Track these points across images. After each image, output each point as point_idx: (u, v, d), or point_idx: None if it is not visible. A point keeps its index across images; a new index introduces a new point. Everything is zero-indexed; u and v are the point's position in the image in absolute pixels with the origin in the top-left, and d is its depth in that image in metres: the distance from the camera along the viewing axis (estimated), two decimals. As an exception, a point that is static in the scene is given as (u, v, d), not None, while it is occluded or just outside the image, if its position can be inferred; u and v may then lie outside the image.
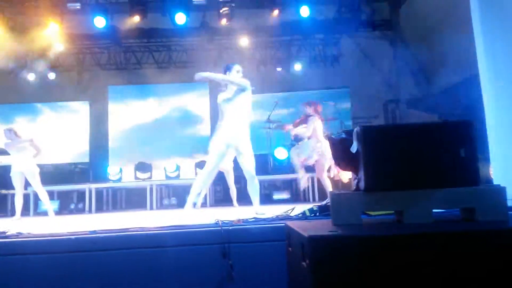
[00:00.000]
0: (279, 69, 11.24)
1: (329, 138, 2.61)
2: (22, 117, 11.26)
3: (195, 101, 11.28)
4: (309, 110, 6.26)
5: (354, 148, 2.37)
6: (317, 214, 3.11)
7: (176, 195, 9.11)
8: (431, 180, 2.24)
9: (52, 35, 9.75)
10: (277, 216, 3.23)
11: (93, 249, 2.76)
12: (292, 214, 3.30)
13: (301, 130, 6.32)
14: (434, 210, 2.27)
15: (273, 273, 2.78)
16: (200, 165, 9.39)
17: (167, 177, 9.16)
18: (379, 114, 10.70)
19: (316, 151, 6.05)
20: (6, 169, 10.09)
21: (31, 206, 7.89)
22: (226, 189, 9.78)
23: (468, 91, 5.47)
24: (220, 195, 9.90)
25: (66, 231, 2.91)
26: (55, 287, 2.72)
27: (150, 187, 8.26)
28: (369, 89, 10.27)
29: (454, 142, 2.28)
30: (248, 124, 4.54)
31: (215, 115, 10.99)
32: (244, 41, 10.50)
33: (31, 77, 11.17)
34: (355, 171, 2.48)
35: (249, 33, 10.31)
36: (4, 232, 2.98)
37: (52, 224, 4.51)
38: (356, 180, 2.46)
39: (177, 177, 9.18)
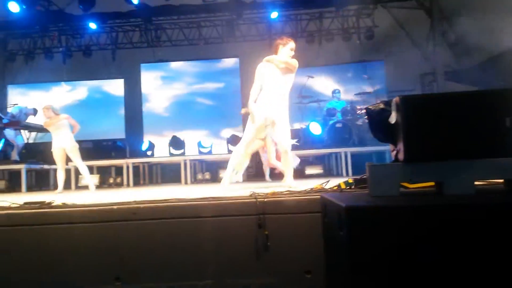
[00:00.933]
0: (311, 42, 10.98)
1: (366, 109, 2.56)
2: (59, 95, 11.65)
3: (225, 77, 11.27)
4: None
5: (393, 118, 2.32)
6: (352, 187, 3.09)
7: (209, 170, 9.26)
8: (473, 151, 2.18)
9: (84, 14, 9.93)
10: (311, 189, 3.23)
11: (134, 218, 2.87)
12: (327, 187, 3.29)
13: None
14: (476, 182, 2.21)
15: (308, 243, 2.82)
16: (231, 140, 9.48)
17: (200, 153, 9.31)
18: (415, 87, 10.34)
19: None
20: (47, 146, 10.61)
21: (73, 180, 8.24)
22: (259, 164, 9.86)
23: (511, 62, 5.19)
24: (252, 170, 9.99)
25: (108, 202, 3.03)
26: (99, 254, 2.86)
27: (184, 162, 8.43)
28: (404, 62, 9.91)
29: (499, 111, 2.19)
30: (287, 101, 4.48)
31: (245, 92, 11.02)
32: (274, 14, 10.31)
33: (67, 56, 11.49)
34: (394, 142, 2.44)
35: (279, 6, 10.11)
36: (50, 203, 3.14)
37: (93, 197, 4.70)
38: (395, 152, 2.42)
39: (210, 152, 9.31)
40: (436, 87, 9.99)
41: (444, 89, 9.84)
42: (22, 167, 8.04)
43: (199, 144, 9.46)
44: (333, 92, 8.71)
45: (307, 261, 2.82)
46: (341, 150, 7.43)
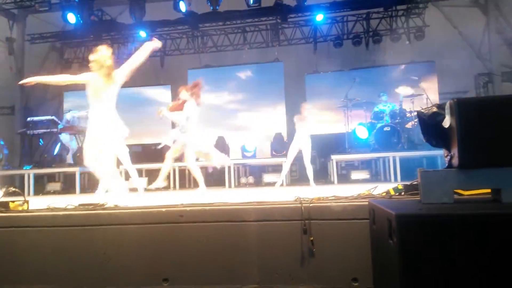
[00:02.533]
0: (357, 44, 10.76)
1: (418, 113, 2.45)
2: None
3: (270, 82, 11.29)
4: (186, 94, 5.86)
5: (447, 122, 2.21)
6: (402, 193, 2.97)
7: (253, 174, 9.31)
8: (535, 156, 2.02)
9: (135, 23, 10.33)
10: (358, 195, 3.15)
11: (181, 221, 2.92)
12: (375, 193, 3.19)
13: (175, 117, 5.91)
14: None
15: (354, 250, 2.74)
16: (275, 144, 9.47)
17: (244, 157, 9.37)
18: (469, 88, 9.84)
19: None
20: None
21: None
22: (302, 169, 9.79)
23: None
24: (295, 174, 9.93)
25: (157, 204, 3.11)
26: (148, 255, 2.94)
27: (228, 166, 8.51)
28: (457, 62, 9.45)
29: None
30: None
31: (289, 96, 11.01)
32: (319, 17, 10.22)
33: (119, 64, 12.00)
34: (448, 147, 2.32)
35: (324, 8, 10.00)
36: (103, 205, 3.27)
37: (142, 199, 4.85)
38: (449, 157, 2.30)
39: (254, 156, 9.35)
40: (492, 88, 9.45)
41: (501, 91, 9.29)
42: (77, 170, 8.47)
43: (243, 148, 9.53)
44: (381, 95, 8.46)
45: (354, 269, 2.75)
46: (389, 154, 7.18)
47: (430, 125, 2.38)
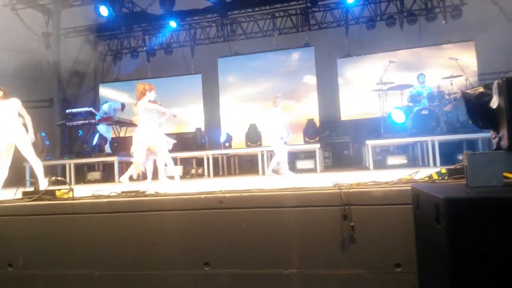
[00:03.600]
0: (391, 25, 10.41)
1: (463, 94, 2.36)
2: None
3: (301, 67, 11.16)
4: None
5: (494, 103, 2.12)
6: (446, 177, 2.88)
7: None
8: None
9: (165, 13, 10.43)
10: (399, 180, 3.08)
11: (220, 207, 2.96)
12: (416, 177, 3.11)
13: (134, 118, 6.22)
14: None
15: (397, 235, 2.70)
16: (307, 131, 9.39)
17: (277, 144, 9.34)
18: (511, 68, 9.37)
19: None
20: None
21: (159, 171, 8.76)
22: (335, 155, 9.69)
23: None
24: (328, 161, 9.85)
25: (196, 191, 3.17)
26: (189, 240, 3.01)
27: (261, 154, 8.54)
28: (497, 41, 9.00)
29: None
30: None
31: (321, 81, 10.85)
32: (351, -1, 9.96)
33: (150, 54, 12.23)
34: (495, 128, 2.23)
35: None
36: (144, 192, 3.36)
37: (178, 187, 4.96)
38: (497, 139, 2.21)
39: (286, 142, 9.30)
40: (537, 67, 8.96)
41: (547, 69, 8.80)
42: (115, 159, 8.73)
43: (275, 135, 9.50)
44: (418, 77, 8.17)
45: (397, 254, 2.71)
46: (428, 138, 6.96)
47: (476, 106, 2.29)
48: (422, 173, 3.24)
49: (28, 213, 3.28)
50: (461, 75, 7.74)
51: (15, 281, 3.23)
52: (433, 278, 2.11)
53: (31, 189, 3.79)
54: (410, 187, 2.70)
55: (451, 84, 7.78)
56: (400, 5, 10.39)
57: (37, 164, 5.63)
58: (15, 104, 5.60)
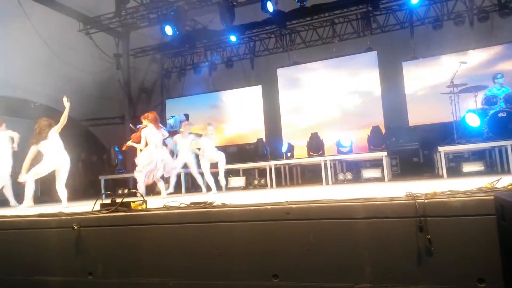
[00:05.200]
0: (460, 24, 9.82)
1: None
2: (204, 107, 12.83)
3: (363, 73, 10.86)
4: (144, 121, 6.61)
5: None
6: (534, 185, 2.62)
7: (350, 169, 9.05)
8: None
9: (225, 29, 10.73)
10: (478, 189, 2.85)
11: (287, 218, 2.93)
12: (498, 186, 2.86)
13: (137, 145, 6.66)
14: None
15: (479, 248, 2.51)
16: (372, 138, 9.08)
17: (340, 152, 9.16)
18: None
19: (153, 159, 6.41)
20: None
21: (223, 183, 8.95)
22: (404, 163, 9.27)
23: None
24: (396, 169, 9.45)
25: (262, 202, 3.16)
26: (256, 251, 3.00)
27: (324, 163, 8.39)
28: None
29: None
30: None
31: (386, 86, 10.47)
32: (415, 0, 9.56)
33: (212, 69, 12.65)
34: None
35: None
36: (211, 203, 3.42)
37: (242, 197, 4.99)
38: None
39: (350, 151, 9.09)
40: None
41: None
42: (181, 171, 9.04)
43: (339, 143, 9.32)
44: (494, 77, 7.54)
45: (479, 269, 2.51)
46: (507, 143, 6.39)
47: None
48: (504, 181, 2.97)
49: (107, 224, 3.48)
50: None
51: (95, 288, 3.43)
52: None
53: (108, 201, 4.03)
54: (492, 197, 2.50)
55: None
56: (469, 3, 9.77)
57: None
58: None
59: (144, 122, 6.67)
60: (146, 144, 6.50)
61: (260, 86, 12.27)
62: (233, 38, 11.71)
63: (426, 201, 2.65)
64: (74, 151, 7.00)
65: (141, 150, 6.58)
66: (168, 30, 10.74)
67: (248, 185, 8.94)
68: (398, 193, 3.01)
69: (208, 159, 7.44)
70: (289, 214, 2.95)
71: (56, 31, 10.11)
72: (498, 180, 3.00)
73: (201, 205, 3.34)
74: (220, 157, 7.46)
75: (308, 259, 2.85)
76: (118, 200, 3.60)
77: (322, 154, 9.25)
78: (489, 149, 7.52)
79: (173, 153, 10.21)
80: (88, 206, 4.09)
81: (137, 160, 6.57)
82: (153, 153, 6.47)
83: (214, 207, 3.29)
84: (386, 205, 2.77)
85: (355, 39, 11.13)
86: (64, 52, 10.24)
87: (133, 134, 7.08)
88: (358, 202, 2.86)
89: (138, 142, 6.71)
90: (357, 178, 8.30)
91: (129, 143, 6.81)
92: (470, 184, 3.33)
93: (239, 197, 5.17)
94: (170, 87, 13.82)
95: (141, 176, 6.38)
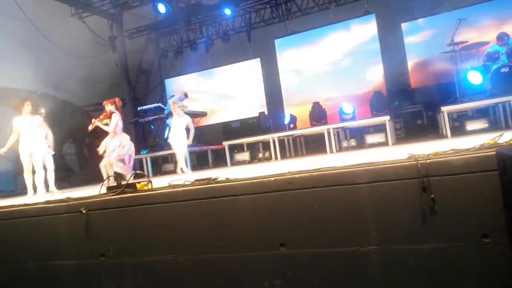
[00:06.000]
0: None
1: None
2: (203, 84, 12.75)
3: (363, 37, 10.67)
4: (112, 107, 6.72)
5: None
6: (536, 138, 2.60)
7: (354, 136, 9.03)
8: None
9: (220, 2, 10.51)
10: (481, 145, 2.83)
11: (291, 188, 2.95)
12: (501, 141, 2.84)
13: (105, 126, 6.70)
14: None
15: (482, 204, 2.52)
16: (374, 101, 9.02)
17: (343, 120, 9.13)
18: None
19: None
20: (203, 129, 11.80)
21: (228, 159, 9.01)
22: (408, 126, 9.22)
23: None
24: (400, 132, 9.41)
25: (266, 174, 3.18)
26: (262, 222, 3.05)
27: (328, 131, 8.37)
28: None
29: None
30: None
31: (385, 49, 10.30)
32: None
33: (209, 45, 12.48)
34: None
35: None
36: (215, 179, 3.45)
37: (248, 171, 5.02)
38: None
39: (353, 118, 9.05)
40: None
41: None
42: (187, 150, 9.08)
43: (341, 111, 9.27)
44: (500, 36, 7.33)
45: (483, 224, 2.53)
46: (510, 98, 6.33)
47: None
48: (506, 136, 2.96)
49: (114, 206, 3.53)
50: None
51: (108, 269, 3.51)
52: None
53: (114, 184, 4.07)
54: (494, 152, 2.49)
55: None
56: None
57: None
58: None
59: (113, 107, 6.75)
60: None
61: (258, 59, 12.14)
62: (227, 11, 11.49)
63: (428, 161, 2.65)
64: (80, 137, 7.11)
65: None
66: (161, 8, 10.56)
67: (253, 159, 8.97)
68: (401, 156, 3.00)
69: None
70: (292, 184, 2.97)
71: (48, 17, 9.95)
72: (500, 135, 2.99)
73: (205, 181, 3.37)
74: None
75: (313, 226, 2.89)
76: (124, 182, 3.64)
77: (325, 123, 9.22)
78: (492, 106, 7.45)
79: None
80: (96, 190, 4.15)
81: (110, 145, 6.68)
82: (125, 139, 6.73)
83: (218, 182, 3.31)
84: (388, 168, 2.77)
85: (352, 3, 10.89)
86: (58, 39, 10.11)
87: (102, 116, 7.04)
88: (360, 167, 2.87)
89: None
90: (361, 144, 8.29)
91: (97, 122, 6.73)
92: (474, 142, 3.32)
93: (245, 171, 5.20)
94: (168, 67, 13.71)
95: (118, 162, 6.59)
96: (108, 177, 5.32)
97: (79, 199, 3.67)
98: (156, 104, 10.33)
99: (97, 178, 7.06)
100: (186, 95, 8.59)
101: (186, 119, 7.71)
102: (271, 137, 8.84)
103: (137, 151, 8.19)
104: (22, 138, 6.27)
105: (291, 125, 10.21)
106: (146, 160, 9.37)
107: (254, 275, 3.06)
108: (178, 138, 7.53)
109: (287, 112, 10.81)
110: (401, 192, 2.71)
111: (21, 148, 6.26)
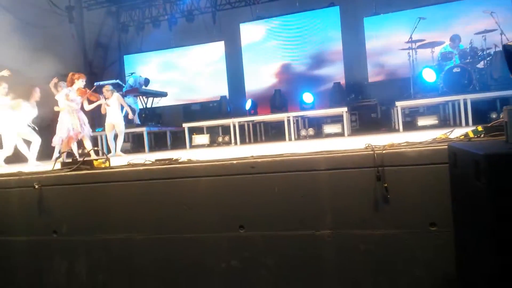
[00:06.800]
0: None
1: (505, 47, 2.25)
2: (165, 63, 12.46)
3: (326, 29, 10.83)
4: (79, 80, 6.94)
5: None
6: (482, 135, 2.80)
7: (312, 125, 9.22)
8: None
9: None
10: (433, 139, 3.02)
11: (253, 172, 3.00)
12: (451, 136, 3.04)
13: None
14: None
15: (431, 194, 2.69)
16: (333, 92, 9.23)
17: (302, 108, 9.28)
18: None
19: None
20: (163, 110, 11.56)
21: (187, 141, 8.92)
22: (363, 118, 9.55)
23: None
24: (355, 124, 9.72)
25: (228, 157, 3.21)
26: (223, 205, 3.08)
27: (288, 119, 8.49)
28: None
29: None
30: None
31: (347, 42, 10.54)
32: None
33: (172, 23, 12.15)
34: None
35: None
36: (177, 159, 3.43)
37: (207, 154, 5.00)
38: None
39: (312, 107, 9.23)
40: None
41: None
42: (144, 129, 8.90)
43: (301, 100, 9.42)
44: (452, 38, 7.74)
45: (432, 214, 2.71)
46: (460, 97, 6.72)
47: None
48: (457, 132, 3.16)
49: (69, 182, 3.42)
50: (495, 29, 7.34)
51: (61, 246, 3.42)
52: (471, 235, 2.10)
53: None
54: (446, 146, 2.66)
55: (485, 39, 7.40)
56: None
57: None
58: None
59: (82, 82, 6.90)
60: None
61: (222, 42, 12.01)
62: (193, -10, 11.23)
63: (384, 152, 2.78)
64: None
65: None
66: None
67: (212, 143, 8.95)
68: (357, 146, 3.13)
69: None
70: (254, 168, 3.01)
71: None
72: (451, 131, 3.19)
73: (166, 161, 3.34)
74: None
75: (272, 210, 2.96)
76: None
77: (285, 111, 9.34)
78: (443, 104, 7.88)
79: (134, 111, 9.98)
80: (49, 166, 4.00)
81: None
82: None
83: (180, 163, 3.30)
84: (346, 157, 2.88)
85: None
86: (11, 5, 9.45)
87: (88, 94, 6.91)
88: (320, 155, 2.96)
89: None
90: (319, 134, 8.50)
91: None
92: (425, 136, 3.51)
93: (204, 154, 5.18)
94: (128, 42, 13.22)
95: None
96: (61, 153, 5.13)
97: (31, 173, 3.52)
98: (114, 80, 9.96)
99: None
100: (146, 83, 8.51)
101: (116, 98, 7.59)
102: (232, 121, 8.85)
103: (93, 128, 7.90)
104: None
105: (252, 111, 10.24)
106: (102, 138, 9.07)
107: (212, 256, 3.10)
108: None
109: (249, 98, 10.83)
110: (357, 180, 2.83)
111: None
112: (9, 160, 6.36)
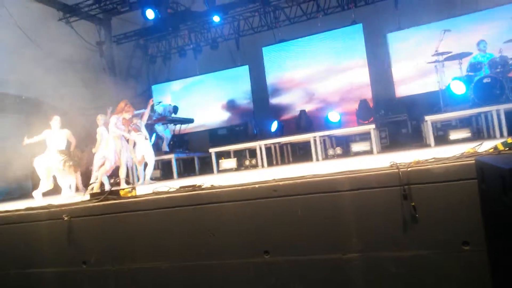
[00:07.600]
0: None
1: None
2: (193, 90, 12.74)
3: (349, 47, 10.80)
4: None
5: None
6: (513, 147, 2.66)
7: (340, 144, 9.08)
8: None
9: (208, 9, 10.54)
10: (461, 154, 2.89)
11: (275, 195, 2.97)
12: (480, 150, 2.90)
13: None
14: None
15: (462, 212, 2.57)
16: (361, 111, 9.11)
17: (328, 128, 9.18)
18: None
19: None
20: (191, 136, 11.76)
21: (214, 166, 8.97)
22: (392, 134, 9.33)
23: None
24: (385, 141, 9.50)
25: (250, 181, 3.19)
26: (247, 229, 3.05)
27: (314, 139, 8.41)
28: None
29: None
30: None
31: (372, 59, 10.45)
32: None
33: (197, 52, 12.50)
34: None
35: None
36: (200, 186, 3.45)
37: (234, 179, 5.01)
38: None
39: (339, 126, 9.11)
40: None
41: None
42: (172, 156, 9.04)
43: (327, 119, 9.34)
44: (478, 44, 7.54)
45: (464, 232, 2.57)
46: (492, 108, 6.44)
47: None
48: (486, 145, 3.02)
49: (97, 213, 3.50)
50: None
51: (90, 277, 3.47)
52: (504, 253, 1.97)
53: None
54: (473, 161, 2.54)
55: (516, 47, 7.14)
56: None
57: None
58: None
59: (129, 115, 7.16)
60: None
61: (247, 66, 12.18)
62: (216, 19, 11.51)
63: (409, 169, 2.69)
64: (81, 143, 7.20)
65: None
66: (150, 13, 10.53)
67: (240, 166, 8.96)
68: (384, 164, 3.04)
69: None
70: (276, 191, 2.98)
71: (36, 21, 9.85)
72: (480, 144, 3.05)
73: (190, 188, 3.36)
74: None
75: (297, 233, 2.90)
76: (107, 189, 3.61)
77: (312, 131, 9.26)
78: (475, 116, 7.58)
79: (163, 139, 10.20)
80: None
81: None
82: None
83: (203, 189, 3.31)
84: (370, 176, 2.81)
85: (340, 12, 11.02)
86: (46, 43, 10.01)
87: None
88: (343, 175, 2.90)
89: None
90: (347, 152, 8.35)
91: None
92: (456, 151, 3.37)
93: (231, 178, 5.19)
94: (156, 72, 13.66)
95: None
96: (91, 184, 5.27)
97: (61, 206, 3.63)
98: (143, 110, 10.25)
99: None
100: (175, 110, 8.73)
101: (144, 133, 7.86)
102: (258, 144, 8.85)
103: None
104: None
105: (278, 133, 10.23)
106: (133, 165, 9.27)
107: (238, 283, 3.05)
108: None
109: (274, 120, 10.84)
110: (383, 199, 2.74)
111: None
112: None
